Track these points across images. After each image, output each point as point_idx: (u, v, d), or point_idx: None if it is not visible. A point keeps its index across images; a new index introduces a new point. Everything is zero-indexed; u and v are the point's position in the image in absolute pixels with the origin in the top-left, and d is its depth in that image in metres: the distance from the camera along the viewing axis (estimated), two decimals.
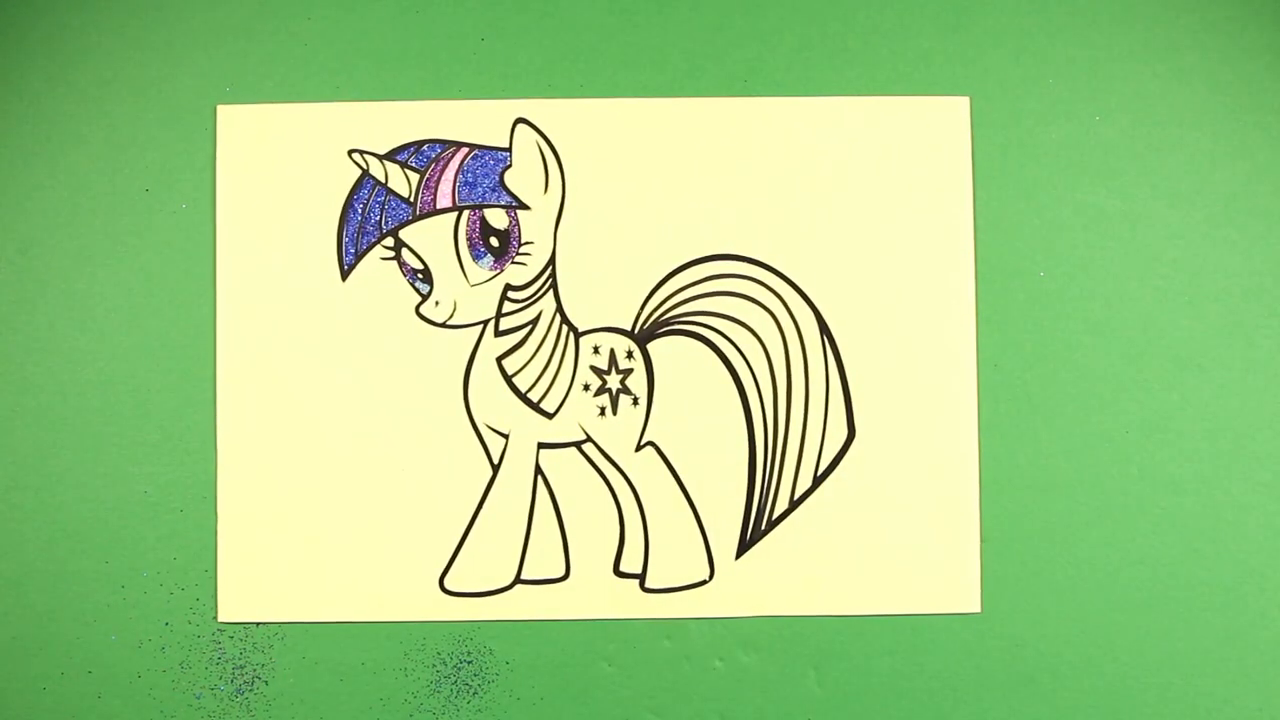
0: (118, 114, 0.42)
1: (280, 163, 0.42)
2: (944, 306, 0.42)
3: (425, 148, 0.42)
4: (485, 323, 0.42)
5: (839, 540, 0.42)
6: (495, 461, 0.42)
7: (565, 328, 0.42)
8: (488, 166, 0.42)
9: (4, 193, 0.42)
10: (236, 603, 0.42)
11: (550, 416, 0.42)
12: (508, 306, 0.42)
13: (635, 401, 0.42)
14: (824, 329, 0.42)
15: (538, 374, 0.42)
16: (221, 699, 0.42)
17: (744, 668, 0.42)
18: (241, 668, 0.42)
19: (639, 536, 0.42)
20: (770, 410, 0.42)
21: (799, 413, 0.42)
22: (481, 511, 0.42)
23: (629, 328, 0.42)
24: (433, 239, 0.42)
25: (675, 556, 0.42)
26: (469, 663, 0.42)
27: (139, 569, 0.42)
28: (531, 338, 0.42)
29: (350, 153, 0.42)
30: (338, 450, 0.42)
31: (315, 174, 0.42)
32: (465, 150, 0.42)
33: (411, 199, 0.42)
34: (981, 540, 0.42)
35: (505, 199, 0.42)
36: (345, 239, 0.42)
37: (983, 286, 0.42)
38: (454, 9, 0.43)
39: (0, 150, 0.42)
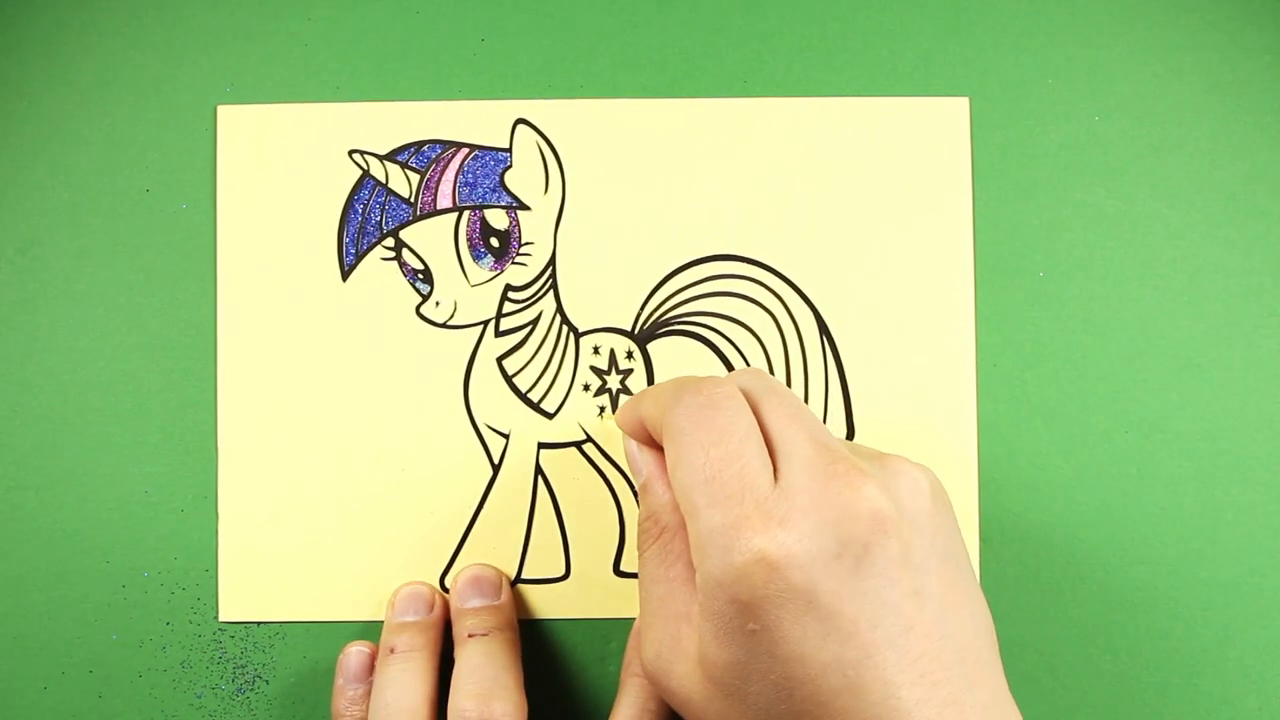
0: (118, 114, 0.42)
1: (280, 163, 0.42)
2: (943, 306, 0.42)
3: (425, 148, 0.42)
4: (485, 323, 0.42)
5: None
6: (495, 461, 0.42)
7: (565, 328, 0.42)
8: (488, 167, 0.42)
9: (4, 193, 0.42)
10: (237, 602, 0.42)
11: (550, 417, 0.42)
12: (508, 307, 0.42)
13: None
14: (823, 329, 0.42)
15: (538, 374, 0.42)
16: (222, 698, 0.42)
17: None
18: (242, 667, 0.42)
19: None
20: None
21: None
22: (481, 511, 0.42)
23: (629, 328, 0.42)
24: (433, 239, 0.42)
25: None
26: None
27: (140, 569, 0.42)
28: (532, 338, 0.42)
29: (351, 153, 0.42)
30: (338, 450, 0.42)
31: (315, 174, 0.42)
32: (465, 151, 0.42)
33: (412, 199, 0.42)
34: (981, 540, 0.42)
35: (505, 199, 0.42)
36: (346, 239, 0.42)
37: (982, 286, 0.42)
38: (454, 9, 0.43)
39: (0, 150, 0.42)
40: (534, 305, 0.42)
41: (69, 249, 0.42)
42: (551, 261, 0.42)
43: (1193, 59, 0.43)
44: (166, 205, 0.42)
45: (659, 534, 0.34)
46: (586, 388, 0.42)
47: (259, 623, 0.42)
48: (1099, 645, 0.42)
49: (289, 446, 0.42)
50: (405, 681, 0.38)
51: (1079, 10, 0.43)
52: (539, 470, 0.42)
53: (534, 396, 0.42)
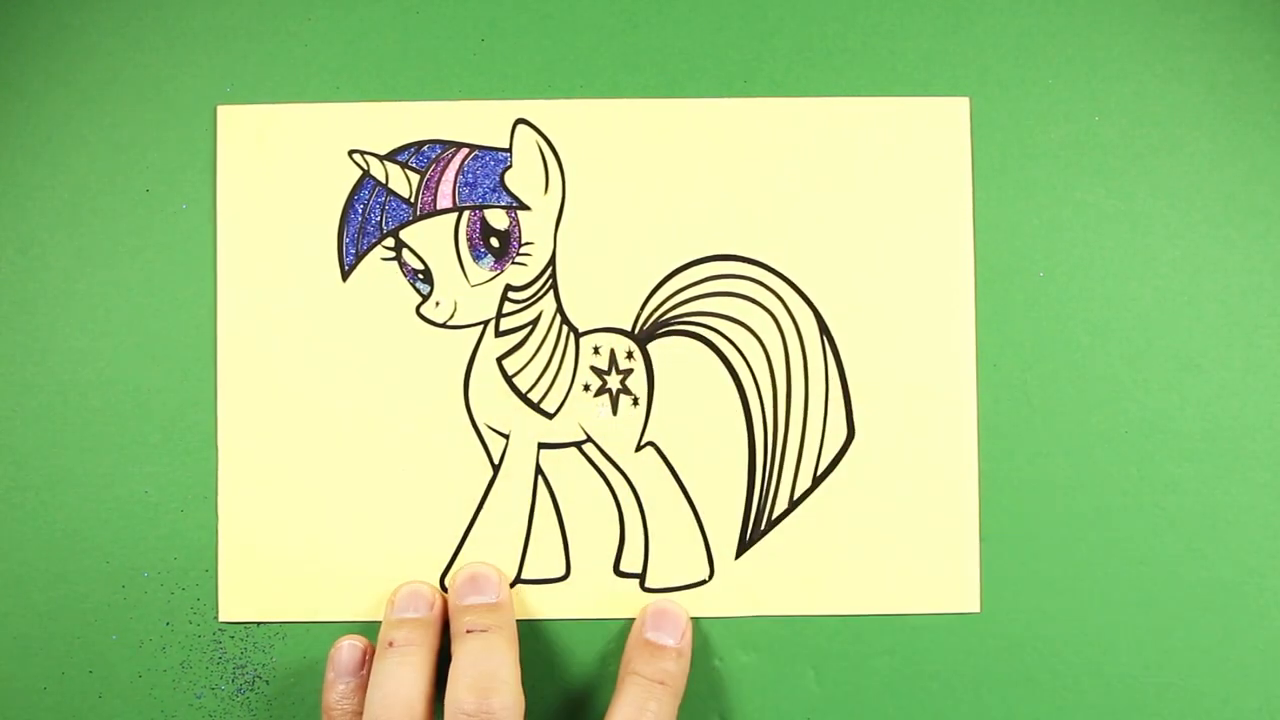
0: (118, 114, 0.42)
1: (281, 163, 0.42)
2: (943, 307, 0.42)
3: (425, 148, 0.42)
4: (485, 323, 0.42)
5: (838, 540, 0.42)
6: (495, 461, 0.42)
7: (565, 328, 0.42)
8: (488, 167, 0.42)
9: (4, 193, 0.42)
10: (237, 602, 0.42)
11: (550, 417, 0.42)
12: (508, 307, 0.42)
13: (635, 402, 0.42)
14: (824, 329, 0.42)
15: (538, 374, 0.42)
16: (222, 698, 0.42)
17: (743, 667, 0.42)
18: (242, 667, 0.42)
19: (639, 536, 0.42)
20: (770, 410, 0.42)
21: (799, 413, 0.42)
22: (481, 511, 0.42)
23: (629, 328, 0.42)
24: (433, 239, 0.42)
25: (675, 556, 0.42)
26: None
27: (140, 569, 0.42)
28: (532, 338, 0.42)
29: (351, 153, 0.42)
30: (338, 450, 0.42)
31: (316, 174, 0.42)
32: (465, 151, 0.42)
33: (412, 199, 0.42)
34: (981, 540, 0.42)
35: (505, 199, 0.42)
36: (346, 239, 0.42)
37: (982, 286, 0.42)
38: (454, 9, 0.43)
39: (0, 150, 0.42)
40: (534, 305, 0.42)
41: (69, 249, 0.42)
42: (551, 261, 0.42)
43: (1193, 59, 0.43)
44: (166, 205, 0.42)
45: None
46: (586, 388, 0.42)
47: (259, 623, 0.42)
48: (1099, 645, 0.42)
49: (289, 446, 0.42)
50: (403, 675, 0.38)
51: (1079, 10, 0.43)
52: (539, 470, 0.42)
53: (534, 396, 0.42)
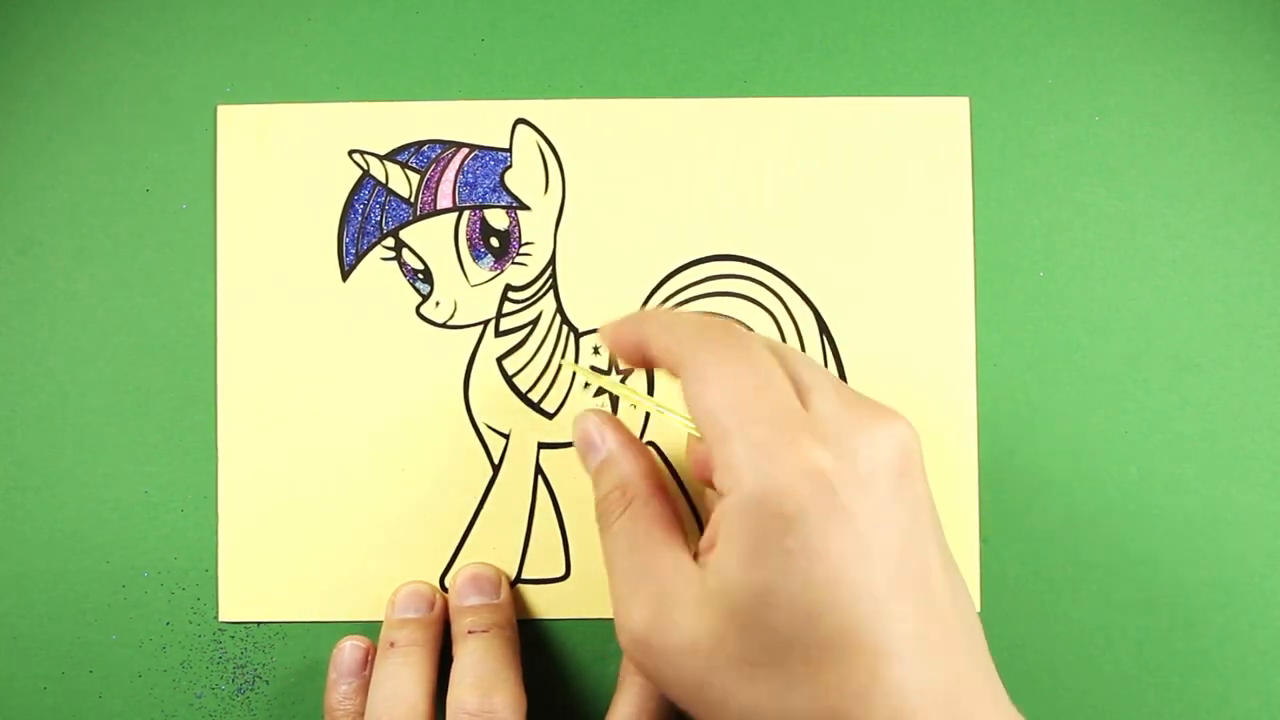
0: (118, 114, 0.42)
1: (280, 163, 0.42)
2: (943, 307, 0.42)
3: (425, 148, 0.42)
4: (485, 323, 0.42)
5: None
6: (495, 461, 0.42)
7: (565, 328, 0.42)
8: (488, 167, 0.42)
9: (4, 193, 0.42)
10: (237, 602, 0.42)
11: (550, 417, 0.42)
12: (508, 307, 0.42)
13: (635, 402, 0.42)
14: (823, 329, 0.42)
15: (538, 374, 0.42)
16: (222, 698, 0.42)
17: None
18: (242, 667, 0.42)
19: None
20: None
21: None
22: (481, 511, 0.42)
23: None
24: (433, 239, 0.42)
25: None
26: None
27: (140, 569, 0.42)
28: (532, 338, 0.42)
29: (350, 153, 0.42)
30: (338, 450, 0.42)
31: (316, 174, 0.42)
32: (465, 151, 0.42)
33: (412, 199, 0.42)
34: (981, 540, 0.42)
35: (505, 199, 0.42)
36: (346, 239, 0.42)
37: (982, 286, 0.42)
38: (454, 9, 0.43)
39: (0, 150, 0.42)
40: (534, 305, 0.42)
41: (69, 249, 0.42)
42: (551, 261, 0.42)
43: (1193, 59, 0.43)
44: (166, 205, 0.42)
45: (628, 504, 0.33)
46: (586, 387, 0.42)
47: (259, 623, 0.42)
48: (1099, 645, 0.42)
49: (289, 446, 0.42)
50: (405, 675, 0.38)
51: (1079, 10, 0.43)
52: (539, 470, 0.42)
53: (534, 396, 0.42)
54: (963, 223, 0.42)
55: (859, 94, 0.42)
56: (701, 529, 0.42)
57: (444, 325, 0.42)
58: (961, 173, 0.42)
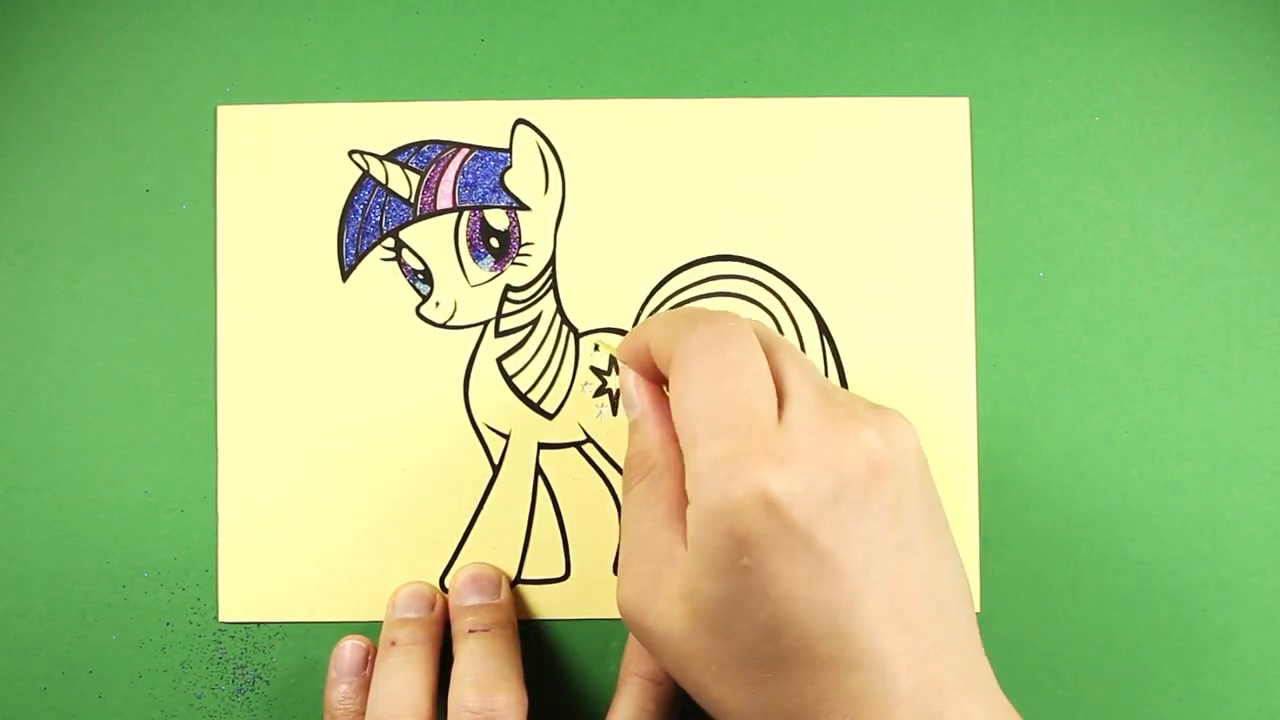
0: (118, 114, 0.42)
1: (280, 163, 0.42)
2: (943, 307, 0.42)
3: (425, 148, 0.42)
4: (485, 323, 0.42)
5: None
6: (495, 462, 0.42)
7: (565, 328, 0.42)
8: (488, 167, 0.42)
9: (4, 193, 0.42)
10: (237, 602, 0.42)
11: (550, 417, 0.42)
12: (508, 307, 0.42)
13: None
14: (823, 329, 0.42)
15: (538, 374, 0.42)
16: (222, 698, 0.42)
17: None
18: (242, 667, 0.42)
19: None
20: None
21: None
22: (481, 511, 0.42)
23: (629, 328, 0.42)
24: (433, 240, 0.42)
25: None
26: None
27: (139, 569, 0.42)
28: (532, 338, 0.42)
29: (351, 153, 0.42)
30: (338, 450, 0.42)
31: (315, 174, 0.42)
32: (465, 151, 0.42)
33: (412, 200, 0.42)
34: (981, 540, 0.42)
35: (505, 200, 0.42)
36: (346, 240, 0.42)
37: (982, 286, 0.42)
38: (454, 9, 0.43)
39: (0, 150, 0.42)
40: (534, 305, 0.42)
41: (69, 249, 0.42)
42: (551, 261, 0.42)
43: (1193, 59, 0.43)
44: (166, 205, 0.42)
45: (646, 472, 0.33)
46: (586, 387, 0.42)
47: (259, 623, 0.42)
48: (1099, 645, 0.42)
49: (289, 446, 0.42)
50: (407, 673, 0.38)
51: (1079, 10, 0.43)
52: (539, 470, 0.42)
53: (534, 397, 0.42)
54: (963, 223, 0.42)
55: (859, 94, 0.42)
56: None
57: (444, 325, 0.42)
58: (961, 173, 0.42)
